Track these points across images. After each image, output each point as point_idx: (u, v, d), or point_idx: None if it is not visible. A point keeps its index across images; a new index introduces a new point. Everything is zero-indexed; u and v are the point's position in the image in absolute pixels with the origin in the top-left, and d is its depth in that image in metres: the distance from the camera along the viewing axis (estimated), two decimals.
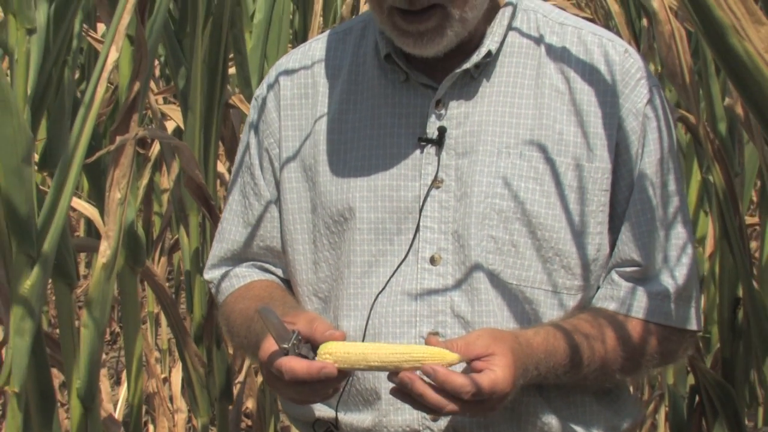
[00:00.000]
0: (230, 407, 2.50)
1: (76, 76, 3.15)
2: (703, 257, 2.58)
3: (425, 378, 1.24)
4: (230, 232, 1.56)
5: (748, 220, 2.81)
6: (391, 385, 1.27)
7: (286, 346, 1.26)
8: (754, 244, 3.12)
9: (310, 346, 1.28)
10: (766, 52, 1.03)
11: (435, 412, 1.26)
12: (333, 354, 1.25)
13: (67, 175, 1.66)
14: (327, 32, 1.55)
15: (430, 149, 1.42)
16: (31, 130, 1.71)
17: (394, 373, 1.25)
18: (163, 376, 3.33)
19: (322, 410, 1.46)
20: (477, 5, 1.38)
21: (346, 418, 1.44)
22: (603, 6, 3.95)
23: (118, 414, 3.18)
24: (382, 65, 1.46)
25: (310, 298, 1.48)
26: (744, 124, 2.15)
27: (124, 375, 3.31)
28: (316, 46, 1.53)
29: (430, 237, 1.41)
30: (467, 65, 1.41)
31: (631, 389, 3.27)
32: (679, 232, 1.44)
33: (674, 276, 1.43)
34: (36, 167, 2.11)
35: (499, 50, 1.43)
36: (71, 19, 1.98)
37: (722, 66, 1.09)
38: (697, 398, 2.36)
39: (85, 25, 2.84)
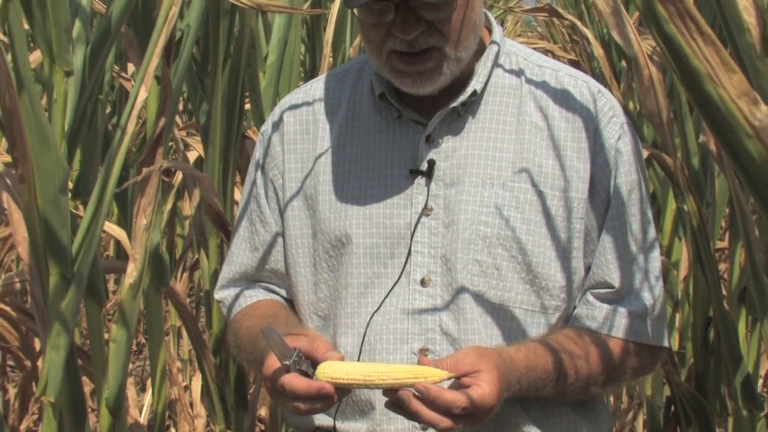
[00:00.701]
0: (245, 414, 2.50)
1: (107, 110, 3.19)
2: (678, 280, 2.58)
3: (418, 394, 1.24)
4: (238, 255, 1.56)
5: (719, 244, 2.81)
6: (385, 396, 1.26)
7: (287, 362, 1.26)
8: (723, 266, 3.11)
9: (311, 362, 1.27)
10: (737, 97, 1.04)
11: (427, 424, 1.26)
12: (331, 371, 1.25)
13: (100, 204, 1.66)
14: (326, 73, 1.55)
15: (421, 180, 1.42)
16: (67, 162, 1.73)
17: (389, 390, 1.25)
18: (184, 384, 3.31)
19: (321, 419, 1.45)
20: (469, 45, 1.39)
21: (344, 426, 1.43)
22: (586, 49, 3.97)
23: (143, 418, 3.18)
24: (377, 103, 1.46)
25: (311, 317, 1.48)
26: (716, 159, 2.16)
27: (148, 382, 3.31)
28: (317, 86, 1.54)
29: (421, 261, 1.41)
30: (455, 104, 1.42)
31: (612, 399, 3.27)
32: (651, 257, 1.44)
33: (649, 297, 1.43)
34: (70, 196, 2.13)
35: (483, 90, 1.44)
36: (104, 62, 2.01)
37: (698, 109, 1.09)
38: (672, 408, 2.35)
39: (116, 67, 2.87)
